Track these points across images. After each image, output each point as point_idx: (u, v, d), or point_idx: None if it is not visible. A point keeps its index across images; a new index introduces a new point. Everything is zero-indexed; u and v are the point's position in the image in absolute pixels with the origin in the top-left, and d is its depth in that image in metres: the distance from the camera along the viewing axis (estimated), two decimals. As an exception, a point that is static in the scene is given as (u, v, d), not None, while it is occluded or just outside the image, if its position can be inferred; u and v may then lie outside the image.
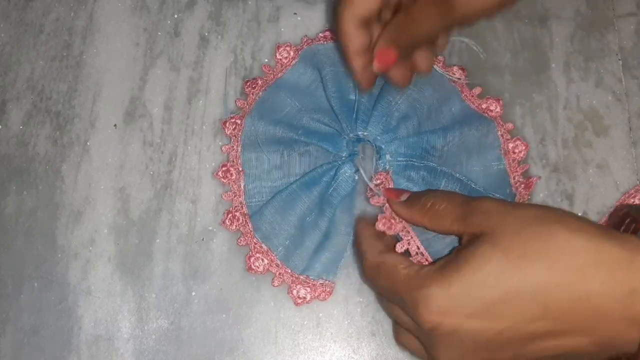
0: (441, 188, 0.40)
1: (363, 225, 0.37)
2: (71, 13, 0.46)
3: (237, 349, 0.39)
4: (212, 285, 0.40)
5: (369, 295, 0.40)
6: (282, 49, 0.45)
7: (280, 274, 0.40)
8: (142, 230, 0.41)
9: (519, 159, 0.42)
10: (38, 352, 0.39)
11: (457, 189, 0.40)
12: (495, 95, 0.44)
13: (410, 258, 0.35)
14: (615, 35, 0.46)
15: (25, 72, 0.45)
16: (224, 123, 0.43)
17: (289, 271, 0.40)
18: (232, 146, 0.42)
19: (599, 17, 0.46)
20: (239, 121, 0.42)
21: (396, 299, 0.32)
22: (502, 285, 0.28)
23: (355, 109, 0.42)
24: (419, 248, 0.36)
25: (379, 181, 0.39)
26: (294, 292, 0.40)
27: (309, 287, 0.40)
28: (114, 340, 0.39)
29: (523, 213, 0.30)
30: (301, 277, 0.40)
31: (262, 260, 0.40)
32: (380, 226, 0.37)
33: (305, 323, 0.40)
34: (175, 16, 0.46)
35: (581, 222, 0.29)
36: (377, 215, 0.37)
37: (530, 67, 0.45)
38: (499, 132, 0.43)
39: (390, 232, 0.37)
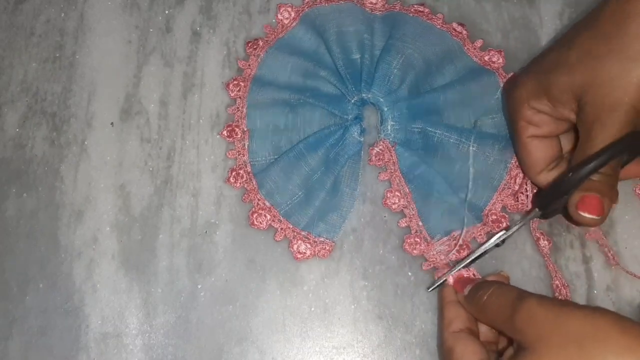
0: (439, 154, 0.42)
1: (449, 290, 0.38)
2: (61, 14, 0.46)
3: (246, 338, 0.39)
4: (217, 277, 0.40)
5: (374, 279, 0.40)
6: (283, 9, 0.45)
7: (282, 229, 0.41)
8: (144, 226, 0.41)
9: None
10: (47, 352, 0.39)
11: (454, 154, 0.41)
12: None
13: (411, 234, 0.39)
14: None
15: (19, 74, 0.45)
16: (228, 85, 0.44)
17: (291, 226, 0.41)
18: (238, 107, 0.43)
19: (586, -6, 0.46)
20: (242, 83, 0.43)
21: None
22: None
23: (360, 68, 0.43)
24: (419, 225, 0.40)
25: (379, 148, 0.42)
26: (295, 246, 0.40)
27: (309, 243, 0.40)
28: (123, 337, 0.39)
29: (567, 325, 0.30)
30: (303, 232, 0.41)
31: (265, 216, 0.41)
32: (387, 201, 0.41)
33: (312, 310, 0.40)
34: (166, 12, 0.46)
35: (625, 338, 0.28)
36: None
37: (522, 46, 0.45)
38: (501, 84, 0.44)
39: (395, 207, 0.40)
